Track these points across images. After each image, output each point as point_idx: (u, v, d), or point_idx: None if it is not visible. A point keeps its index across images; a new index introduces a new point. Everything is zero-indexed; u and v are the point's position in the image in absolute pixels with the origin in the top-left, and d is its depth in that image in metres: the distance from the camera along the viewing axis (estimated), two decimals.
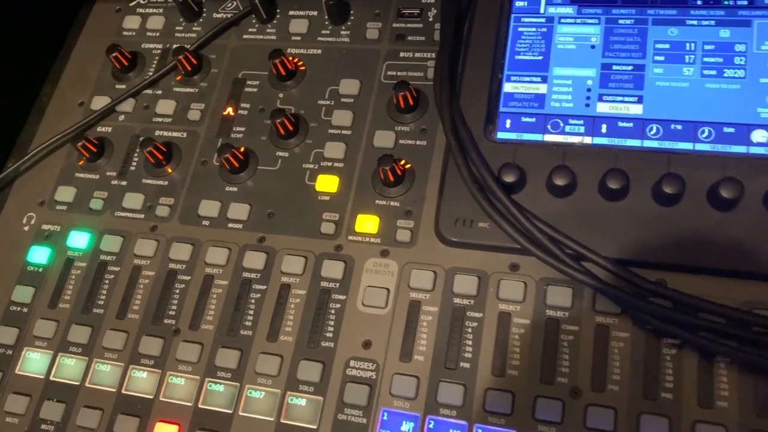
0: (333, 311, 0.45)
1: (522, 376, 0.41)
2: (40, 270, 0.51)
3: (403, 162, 0.48)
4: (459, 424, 0.41)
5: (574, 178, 0.43)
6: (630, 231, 0.42)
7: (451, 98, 0.47)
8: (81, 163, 0.55)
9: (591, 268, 0.41)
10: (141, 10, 0.60)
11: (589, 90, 0.46)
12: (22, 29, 0.64)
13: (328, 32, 0.55)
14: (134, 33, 0.59)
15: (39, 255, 0.52)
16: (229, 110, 0.54)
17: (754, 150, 0.43)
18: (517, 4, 0.49)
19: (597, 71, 0.47)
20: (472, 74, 0.48)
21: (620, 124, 0.45)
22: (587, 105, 0.46)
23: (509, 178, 0.43)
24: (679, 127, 0.44)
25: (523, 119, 0.47)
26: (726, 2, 0.46)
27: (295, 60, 0.54)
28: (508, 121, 0.47)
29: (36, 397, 0.47)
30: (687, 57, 0.45)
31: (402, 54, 0.53)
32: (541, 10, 0.49)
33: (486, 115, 0.47)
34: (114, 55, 0.56)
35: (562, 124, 0.46)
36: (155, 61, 0.58)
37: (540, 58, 0.48)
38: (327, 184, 0.50)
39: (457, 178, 0.45)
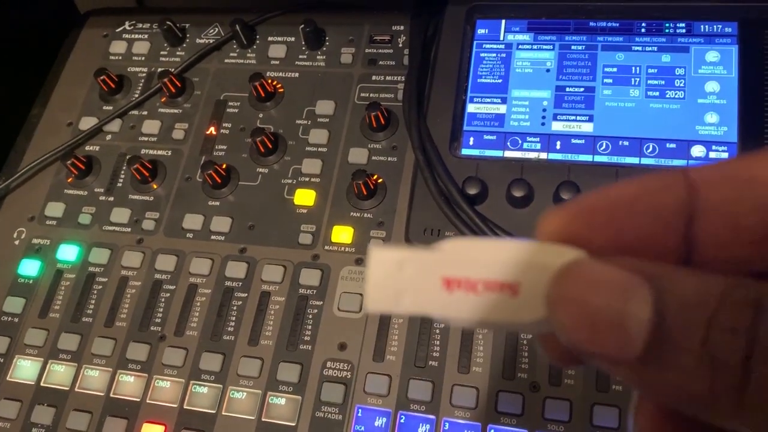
0: (311, 316, 0.49)
1: (485, 373, 0.45)
2: (31, 282, 0.54)
3: (375, 177, 0.52)
4: (428, 418, 0.44)
5: (531, 190, 0.47)
6: None
7: (419, 117, 0.50)
8: (70, 180, 0.57)
9: None
10: (127, 36, 0.64)
11: (544, 110, 0.50)
12: (11, 53, 0.67)
13: (304, 57, 0.59)
14: (120, 57, 0.63)
15: (29, 268, 0.54)
16: (212, 129, 0.57)
17: (693, 163, 0.47)
18: (479, 31, 0.54)
19: (552, 93, 0.51)
20: (438, 96, 0.52)
21: (573, 141, 0.49)
22: (543, 124, 0.50)
23: (472, 191, 0.47)
24: (626, 143, 0.48)
25: (485, 137, 0.51)
26: (667, 30, 0.50)
27: (274, 82, 0.58)
28: (472, 139, 0.51)
29: (27, 402, 0.49)
30: (633, 80, 0.50)
31: (374, 77, 0.57)
32: (501, 38, 0.53)
33: (451, 133, 0.51)
34: (102, 78, 0.59)
35: (520, 141, 0.50)
36: (141, 84, 0.61)
37: (500, 81, 0.52)
38: (304, 197, 0.53)
39: (425, 191, 0.49)
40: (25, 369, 0.51)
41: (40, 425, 0.48)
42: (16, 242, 0.56)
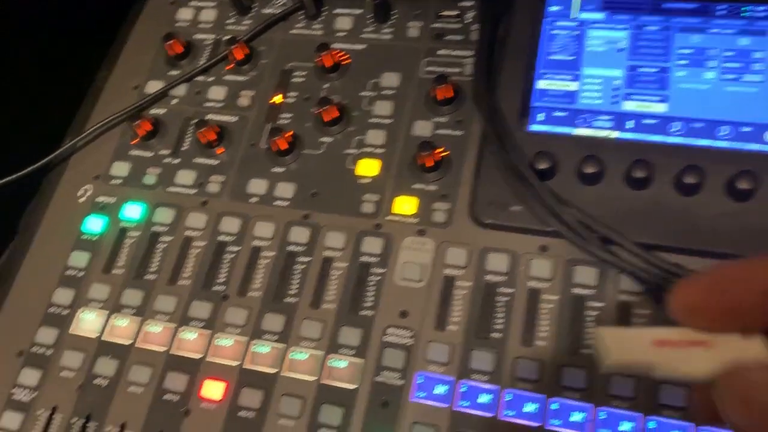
0: (372, 283, 0.49)
1: (549, 347, 0.45)
2: (95, 238, 0.55)
3: (440, 149, 0.52)
4: (490, 388, 0.44)
5: (602, 168, 0.47)
6: (653, 218, 0.46)
7: (489, 91, 0.50)
8: (135, 141, 0.58)
9: (616, 251, 0.45)
10: (194, 3, 0.64)
11: (616, 89, 0.50)
12: (80, 16, 0.68)
13: (371, 29, 0.59)
14: (187, 24, 0.63)
15: (94, 224, 0.55)
16: (277, 98, 0.58)
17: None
18: (551, 8, 0.53)
19: (624, 72, 0.50)
20: (508, 71, 0.52)
21: (645, 120, 0.49)
22: (614, 102, 0.50)
23: (542, 165, 0.47)
24: (700, 125, 0.48)
25: (555, 113, 0.51)
26: (745, 14, 0.50)
27: (340, 54, 0.58)
28: (541, 115, 0.51)
29: (90, 354, 0.50)
30: (708, 62, 0.49)
31: (440, 52, 0.57)
32: (573, 15, 0.53)
33: (520, 109, 0.51)
34: (169, 43, 0.60)
35: (590, 119, 0.50)
36: (207, 51, 0.62)
37: (572, 58, 0.52)
38: (368, 168, 0.53)
39: (492, 165, 0.49)
40: (88, 322, 0.52)
41: (103, 376, 0.49)
42: (81, 200, 0.57)
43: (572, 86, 0.51)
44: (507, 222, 0.48)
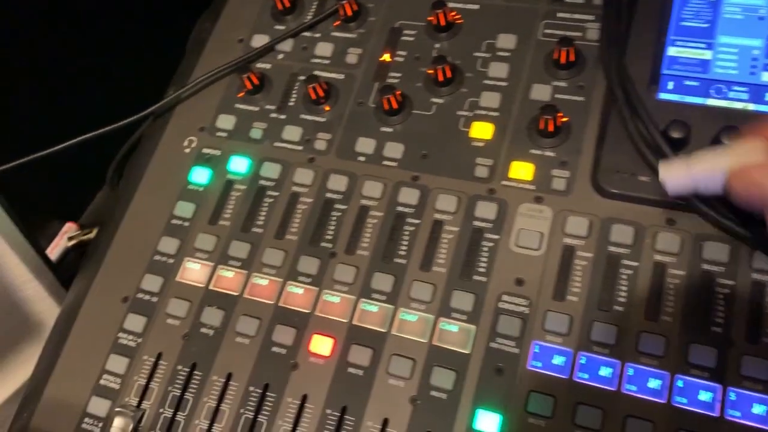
0: (486, 249, 0.48)
1: (675, 323, 0.43)
2: (201, 189, 0.55)
3: (560, 114, 0.50)
4: (611, 361, 0.43)
5: None
6: None
7: (619, 55, 0.48)
8: (241, 95, 0.58)
9: (751, 226, 0.43)
10: None
11: (755, 59, 0.47)
12: None
13: None
14: None
15: (200, 175, 0.55)
16: (386, 56, 0.57)
17: None
18: None
19: (764, 41, 0.48)
20: (637, 36, 0.50)
21: None
22: (752, 73, 0.47)
23: (676, 134, 0.45)
24: None
25: (686, 82, 0.48)
26: None
27: (452, 13, 0.56)
28: (671, 83, 0.48)
29: (196, 303, 0.50)
30: None
31: (560, 14, 0.55)
32: None
33: (650, 76, 0.48)
34: None
35: (725, 90, 0.47)
36: (313, 6, 0.61)
37: (706, 25, 0.49)
38: (482, 130, 0.52)
39: (619, 132, 0.47)
40: (194, 271, 0.51)
41: (209, 326, 0.49)
42: (187, 150, 0.57)
43: (706, 55, 0.48)
44: (633, 192, 0.46)
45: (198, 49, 0.61)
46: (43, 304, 0.58)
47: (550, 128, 0.49)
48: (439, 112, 0.53)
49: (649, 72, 0.48)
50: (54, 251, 0.73)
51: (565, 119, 0.50)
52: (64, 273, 0.62)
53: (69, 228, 0.75)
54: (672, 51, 0.49)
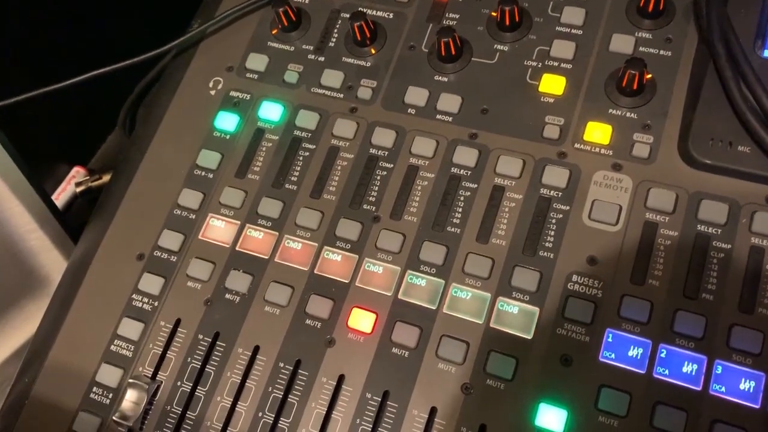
0: (554, 221, 0.42)
1: None
2: (228, 137, 0.48)
3: (646, 70, 0.44)
4: (697, 357, 0.37)
5: None
6: None
7: (719, 3, 0.41)
8: (274, 31, 0.51)
9: None
10: None
11: None
12: None
13: None
14: None
15: (227, 121, 0.49)
16: None
17: None
18: None
19: None
20: None
21: None
22: None
23: None
24: None
25: None
26: None
27: None
28: None
29: (221, 266, 0.45)
30: None
31: None
32: None
33: (756, 29, 0.42)
34: None
35: None
36: None
37: None
38: (552, 84, 0.45)
39: (716, 93, 0.41)
40: (219, 230, 0.46)
41: (234, 292, 0.44)
42: (212, 92, 0.50)
43: None
44: (729, 164, 0.40)
45: None
46: (49, 256, 0.52)
47: (634, 85, 0.43)
48: (502, 61, 0.47)
49: (756, 25, 0.42)
50: (60, 197, 0.67)
51: (649, 76, 0.44)
52: (72, 222, 0.56)
53: (77, 172, 0.69)
54: None
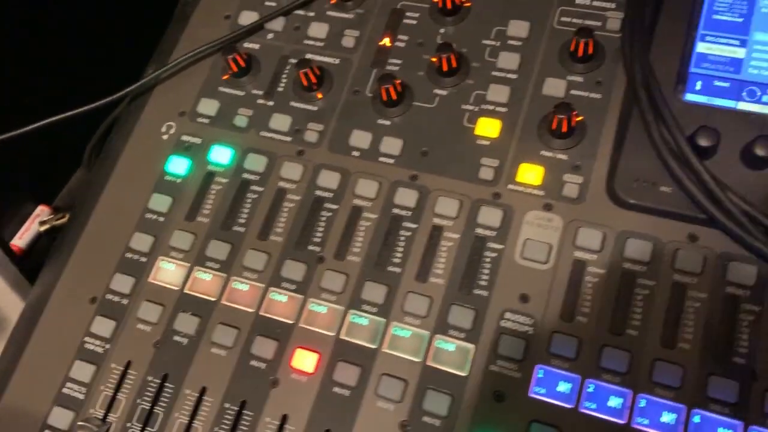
0: (488, 260, 0.43)
1: (694, 350, 0.39)
2: (179, 181, 0.50)
3: (575, 113, 0.46)
4: (622, 391, 0.39)
5: None
6: None
7: (644, 51, 0.44)
8: (226, 77, 0.53)
9: None
10: None
11: None
12: None
13: None
14: None
15: (178, 165, 0.50)
16: (386, 41, 0.52)
17: None
18: None
19: None
20: (664, 29, 0.45)
21: None
22: None
23: (704, 142, 0.40)
24: None
25: (716, 83, 0.44)
26: None
27: None
28: (699, 83, 0.44)
29: (170, 308, 0.46)
30: None
31: (578, 1, 0.50)
32: None
33: (677, 75, 0.44)
34: None
35: (759, 93, 0.43)
36: None
37: (740, 20, 0.44)
38: (488, 127, 0.47)
39: (640, 136, 0.43)
40: (169, 272, 0.47)
41: (182, 334, 0.45)
42: (165, 137, 0.52)
43: (739, 53, 0.44)
44: (653, 204, 0.42)
45: (181, 26, 0.56)
46: (6, 299, 0.53)
47: (564, 128, 0.44)
48: (442, 105, 0.49)
49: (676, 70, 0.44)
50: (24, 236, 0.68)
51: (579, 118, 0.46)
52: (35, 261, 0.57)
53: (42, 211, 0.70)
54: (702, 47, 0.45)
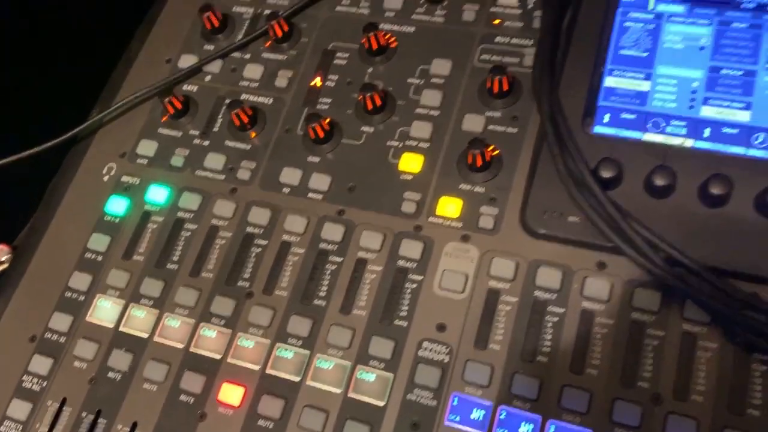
0: (409, 291, 0.45)
1: (601, 376, 0.40)
2: (117, 221, 0.52)
3: (491, 148, 0.47)
4: (532, 417, 0.40)
5: (674, 180, 0.42)
6: (728, 240, 0.41)
7: (551, 87, 0.46)
8: (164, 119, 0.55)
9: (684, 274, 0.40)
10: None
11: (694, 92, 0.45)
12: None
13: (423, 10, 0.54)
14: None
15: (117, 206, 0.52)
16: (317, 80, 0.54)
17: None
18: None
19: (704, 73, 0.45)
20: (573, 64, 0.47)
21: (725, 129, 0.43)
22: (691, 107, 0.45)
23: (607, 174, 0.42)
24: None
25: (623, 115, 0.45)
26: None
27: (387, 36, 0.54)
28: (607, 116, 0.46)
29: (105, 345, 0.47)
30: None
31: (498, 39, 0.52)
32: (650, 6, 0.47)
33: (585, 108, 0.46)
34: (207, 15, 0.56)
35: (663, 124, 0.45)
36: (245, 25, 0.58)
37: (645, 54, 0.46)
38: (411, 163, 0.49)
39: (549, 169, 0.44)
40: (105, 310, 0.49)
41: (116, 370, 0.46)
42: (105, 178, 0.54)
43: (644, 86, 0.46)
44: (562, 233, 0.43)
45: (125, 69, 0.58)
46: None
47: (479, 163, 0.46)
48: (368, 142, 0.51)
49: (584, 104, 0.46)
50: None
51: (496, 152, 0.48)
52: None
53: (1, 250, 0.71)
54: (609, 81, 0.47)
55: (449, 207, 0.47)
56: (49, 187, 0.57)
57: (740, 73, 0.44)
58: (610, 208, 0.41)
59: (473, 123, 0.49)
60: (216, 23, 0.57)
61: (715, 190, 0.41)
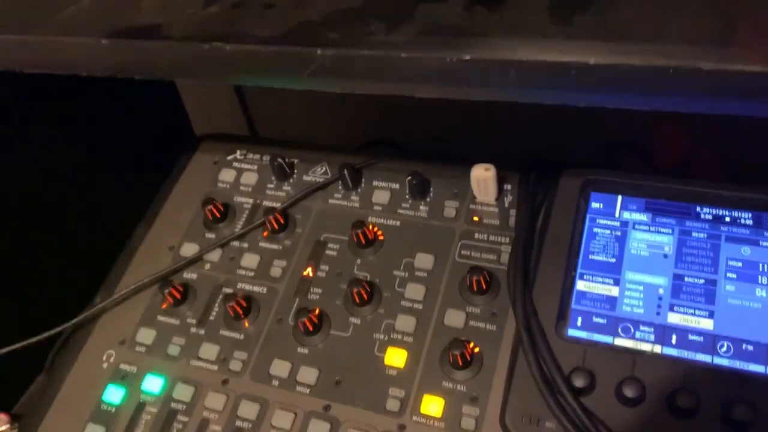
0: None
1: None
2: (113, 410, 0.53)
3: (472, 345, 0.50)
4: None
5: (644, 390, 0.44)
6: None
7: (525, 294, 0.48)
8: (164, 306, 0.58)
9: None
10: (237, 165, 0.65)
11: (660, 298, 0.48)
12: (127, 166, 0.70)
13: (407, 205, 0.59)
14: (228, 186, 0.64)
15: (114, 395, 0.54)
16: (309, 271, 0.57)
17: None
18: (594, 205, 0.52)
19: (669, 280, 0.48)
20: (546, 269, 0.50)
21: (690, 336, 0.46)
22: (658, 313, 0.47)
23: (579, 383, 0.44)
24: (750, 347, 0.45)
25: (595, 319, 0.48)
26: None
27: (375, 229, 0.57)
28: (580, 319, 0.48)
29: None
30: (760, 278, 0.46)
31: (477, 235, 0.55)
32: (617, 214, 0.51)
33: (558, 310, 0.48)
34: (209, 207, 0.60)
35: (632, 329, 0.47)
36: (245, 214, 0.62)
37: (613, 260, 0.50)
38: (396, 357, 0.51)
39: (526, 373, 0.46)
40: None
41: None
42: (105, 365, 0.56)
43: (613, 291, 0.49)
44: None
45: (129, 256, 0.62)
46: None
47: (460, 362, 0.48)
48: (356, 334, 0.53)
49: (558, 306, 0.48)
50: None
51: (476, 350, 0.50)
52: None
53: (0, 420, 0.73)
54: (581, 285, 0.50)
55: (433, 406, 0.48)
56: (51, 369, 0.59)
57: (702, 281, 0.47)
58: (583, 418, 0.43)
59: (455, 318, 0.52)
60: (218, 214, 0.61)
61: (682, 403, 0.42)
